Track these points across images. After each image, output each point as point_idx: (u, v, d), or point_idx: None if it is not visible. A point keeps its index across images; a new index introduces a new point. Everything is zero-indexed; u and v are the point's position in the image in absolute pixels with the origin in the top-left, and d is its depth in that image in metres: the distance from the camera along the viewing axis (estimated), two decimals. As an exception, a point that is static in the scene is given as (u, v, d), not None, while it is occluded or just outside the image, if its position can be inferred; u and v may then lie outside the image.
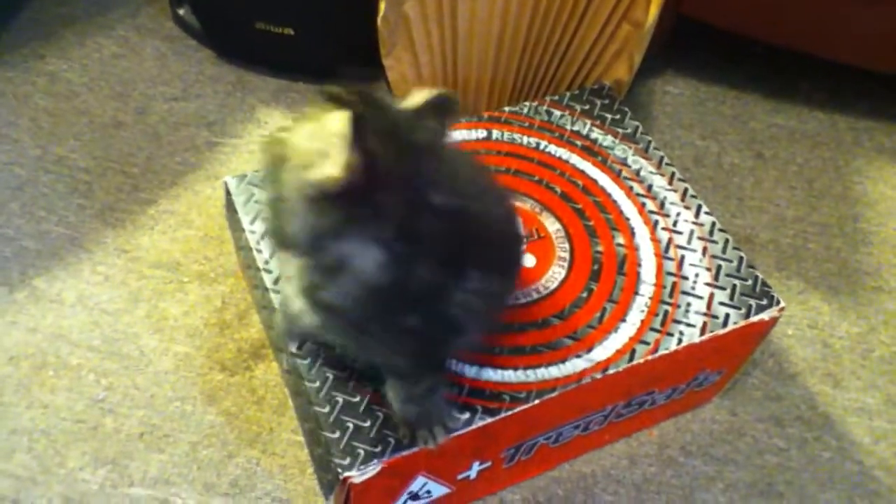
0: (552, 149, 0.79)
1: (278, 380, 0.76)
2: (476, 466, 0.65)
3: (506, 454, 0.66)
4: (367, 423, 0.58)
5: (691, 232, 0.73)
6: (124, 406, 0.74)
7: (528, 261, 0.70)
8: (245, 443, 0.73)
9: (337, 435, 0.58)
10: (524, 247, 0.68)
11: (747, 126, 1.07)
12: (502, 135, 0.79)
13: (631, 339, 0.65)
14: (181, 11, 1.04)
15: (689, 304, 0.68)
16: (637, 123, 0.81)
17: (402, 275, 0.46)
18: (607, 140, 0.80)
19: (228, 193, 0.73)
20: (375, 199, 0.43)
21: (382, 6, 0.81)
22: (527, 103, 0.82)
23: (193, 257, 0.85)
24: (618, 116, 0.82)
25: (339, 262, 0.45)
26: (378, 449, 0.57)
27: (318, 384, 0.60)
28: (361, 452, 0.57)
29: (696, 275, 0.70)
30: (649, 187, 0.76)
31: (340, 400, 0.59)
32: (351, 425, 0.58)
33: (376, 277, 0.45)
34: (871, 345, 0.86)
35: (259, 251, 0.68)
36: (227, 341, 0.79)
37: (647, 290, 0.69)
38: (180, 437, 0.73)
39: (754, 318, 0.67)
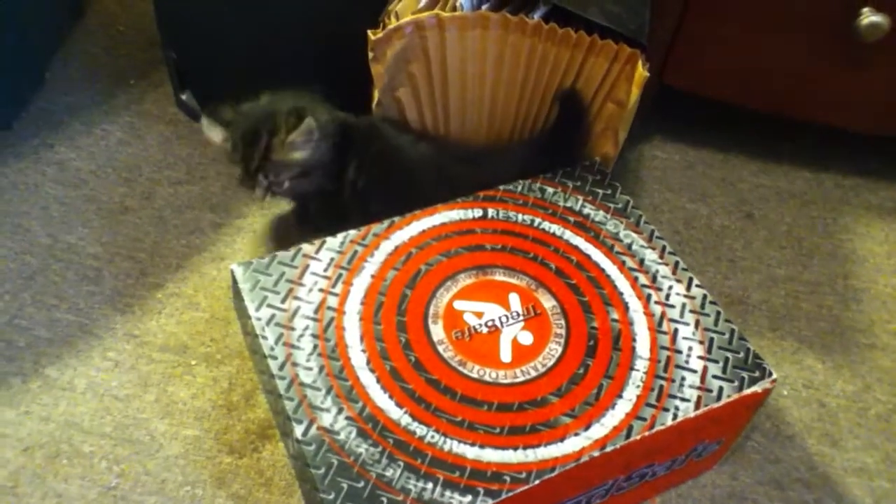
0: (546, 225, 0.81)
1: (286, 460, 0.78)
2: (481, 545, 0.67)
3: (510, 531, 0.67)
4: (373, 510, 0.60)
5: (683, 305, 0.75)
6: (136, 493, 0.75)
7: (526, 338, 0.72)
8: (254, 525, 0.74)
9: (344, 523, 0.59)
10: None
11: (735, 187, 1.11)
12: (497, 213, 0.82)
13: (627, 415, 0.67)
14: (184, 96, 1.08)
15: (683, 379, 0.70)
16: (628, 198, 0.84)
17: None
18: (599, 215, 0.83)
19: (235, 281, 0.75)
20: None
21: (376, 94, 0.85)
22: (521, 181, 0.85)
23: (200, 339, 0.87)
24: (609, 191, 0.85)
25: None
26: (384, 535, 0.59)
27: (322, 471, 0.62)
28: (368, 539, 0.59)
29: (690, 348, 0.72)
30: (641, 261, 0.79)
31: (345, 486, 0.61)
32: (357, 513, 0.60)
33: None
34: (866, 403, 0.88)
35: (265, 338, 0.70)
36: (234, 423, 0.80)
37: (642, 364, 0.71)
38: (191, 521, 0.74)
39: (747, 391, 0.69)
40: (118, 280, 0.92)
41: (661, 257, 0.79)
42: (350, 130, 0.85)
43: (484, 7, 0.84)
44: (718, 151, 1.15)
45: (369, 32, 0.81)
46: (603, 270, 0.78)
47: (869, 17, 0.91)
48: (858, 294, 0.99)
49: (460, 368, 0.70)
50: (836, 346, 0.93)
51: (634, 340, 0.72)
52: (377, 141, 0.86)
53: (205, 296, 0.91)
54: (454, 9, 0.83)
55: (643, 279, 0.77)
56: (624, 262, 0.79)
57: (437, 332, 0.72)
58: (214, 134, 0.82)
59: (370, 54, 0.83)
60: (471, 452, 0.64)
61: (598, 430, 0.66)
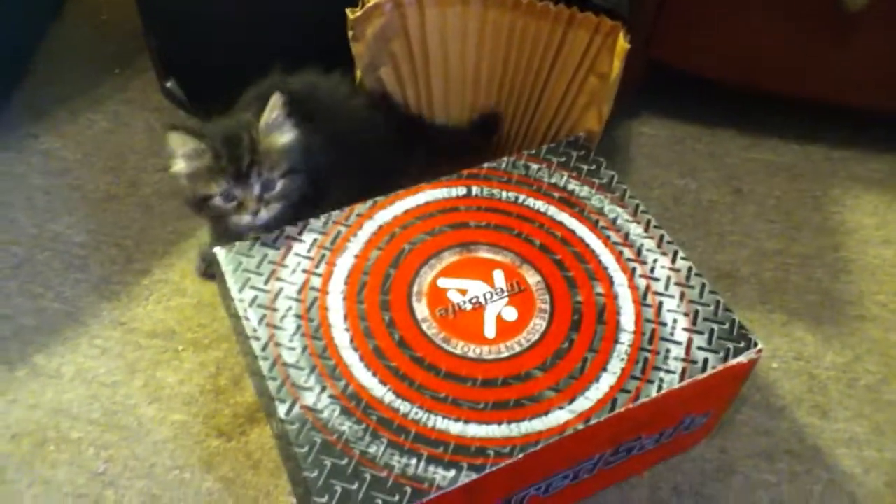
0: (531, 202, 0.81)
1: (273, 442, 0.78)
2: (469, 521, 0.67)
3: (497, 507, 0.67)
4: (355, 486, 0.60)
5: (668, 278, 0.75)
6: (124, 477, 0.75)
7: (510, 314, 0.72)
8: (244, 508, 0.74)
9: (325, 499, 0.59)
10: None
11: (724, 162, 1.10)
12: (482, 190, 0.82)
13: (612, 387, 0.67)
14: (168, 84, 1.07)
15: (668, 351, 0.69)
16: (613, 173, 0.84)
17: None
18: (584, 190, 0.82)
19: (218, 264, 0.75)
20: None
21: (358, 73, 0.85)
22: (505, 158, 0.85)
23: (188, 325, 0.87)
24: (594, 167, 0.84)
25: None
26: (368, 512, 0.59)
27: (306, 449, 0.62)
28: (352, 516, 0.59)
29: (675, 320, 0.72)
30: (626, 235, 0.78)
31: (328, 464, 0.61)
32: (339, 489, 0.60)
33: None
34: (856, 374, 0.88)
35: (248, 319, 0.70)
36: (222, 406, 0.81)
37: (626, 338, 0.70)
38: (180, 505, 0.74)
39: (732, 362, 0.69)
40: (104, 268, 0.92)
41: (647, 231, 0.79)
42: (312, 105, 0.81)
43: (463, -17, 0.84)
44: (707, 126, 1.15)
45: (348, 11, 0.81)
46: (588, 245, 0.78)
47: (853, -15, 0.90)
48: (848, 266, 0.98)
49: (444, 345, 0.69)
50: (825, 317, 0.93)
51: (619, 314, 0.72)
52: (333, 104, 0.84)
53: (192, 281, 0.91)
54: (433, -14, 0.82)
55: (628, 253, 0.77)
56: (609, 237, 0.78)
57: (422, 310, 0.72)
58: (183, 145, 0.73)
59: (350, 33, 0.82)
60: (455, 428, 0.64)
61: (583, 404, 0.66)
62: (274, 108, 0.74)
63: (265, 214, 0.76)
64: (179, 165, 0.74)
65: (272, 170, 0.75)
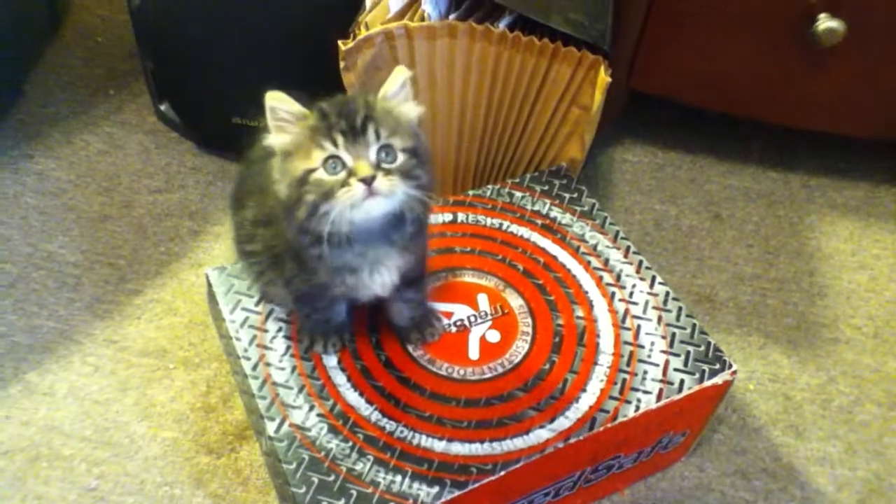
0: (514, 228, 0.84)
1: (262, 460, 0.79)
2: (452, 537, 0.69)
3: (480, 524, 0.69)
4: (342, 502, 0.62)
5: (646, 302, 0.78)
6: (115, 494, 0.77)
7: (493, 336, 0.74)
8: (232, 524, 0.76)
9: (315, 516, 0.61)
10: None
11: (704, 189, 1.13)
12: (467, 217, 0.84)
13: (591, 407, 0.69)
14: (162, 107, 1.10)
15: (645, 372, 0.72)
16: (594, 201, 0.87)
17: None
18: (566, 218, 0.85)
19: (210, 285, 0.77)
20: None
21: (348, 100, 0.87)
22: (490, 186, 0.88)
23: (179, 344, 0.89)
24: (575, 195, 0.87)
25: None
26: (354, 527, 0.61)
27: (294, 466, 0.64)
28: (339, 532, 0.61)
29: (652, 343, 0.74)
30: (606, 261, 0.81)
31: (316, 480, 0.63)
32: (328, 506, 0.62)
33: None
34: (830, 395, 0.90)
35: (239, 339, 0.72)
36: (212, 424, 0.82)
37: (605, 359, 0.73)
38: (170, 521, 0.76)
39: (708, 383, 0.72)
40: (98, 287, 0.93)
41: (626, 257, 0.82)
42: None
43: (451, 17, 0.87)
44: (687, 153, 1.18)
45: (340, 43, 0.83)
46: (569, 270, 0.80)
47: (826, 22, 0.93)
48: (823, 290, 1.01)
49: (429, 366, 0.72)
50: (801, 341, 0.95)
51: (598, 336, 0.75)
52: None
53: (183, 301, 0.93)
54: (423, 19, 0.85)
55: (608, 278, 0.80)
56: (589, 262, 0.81)
57: (408, 331, 0.74)
58: (283, 104, 0.59)
59: (342, 64, 0.85)
60: (439, 446, 0.66)
61: (563, 423, 0.68)
62: (397, 79, 0.61)
63: (383, 186, 0.58)
64: (275, 137, 0.60)
65: (392, 135, 0.59)
